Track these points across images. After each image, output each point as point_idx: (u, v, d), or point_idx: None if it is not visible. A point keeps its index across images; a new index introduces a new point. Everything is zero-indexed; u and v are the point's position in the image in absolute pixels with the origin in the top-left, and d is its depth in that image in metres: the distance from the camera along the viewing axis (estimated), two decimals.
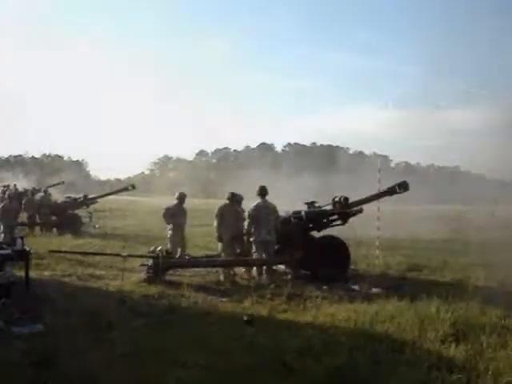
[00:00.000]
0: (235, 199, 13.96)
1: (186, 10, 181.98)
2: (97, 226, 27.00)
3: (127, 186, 28.33)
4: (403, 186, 14.39)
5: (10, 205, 16.19)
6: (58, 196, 29.40)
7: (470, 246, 19.66)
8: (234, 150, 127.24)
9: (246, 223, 13.43)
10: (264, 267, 13.36)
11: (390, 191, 14.60)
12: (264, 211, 13.25)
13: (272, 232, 13.26)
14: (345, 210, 14.04)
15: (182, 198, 15.67)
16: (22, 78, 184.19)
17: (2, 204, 16.20)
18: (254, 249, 13.34)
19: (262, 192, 13.51)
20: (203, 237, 20.19)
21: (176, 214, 15.39)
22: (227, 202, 13.84)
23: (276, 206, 13.58)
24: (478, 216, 32.10)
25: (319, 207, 14.48)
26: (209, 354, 6.98)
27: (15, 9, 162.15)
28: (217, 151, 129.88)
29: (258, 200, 13.48)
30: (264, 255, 13.20)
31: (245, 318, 8.94)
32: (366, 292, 11.61)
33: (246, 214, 13.47)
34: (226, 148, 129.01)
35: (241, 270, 13.79)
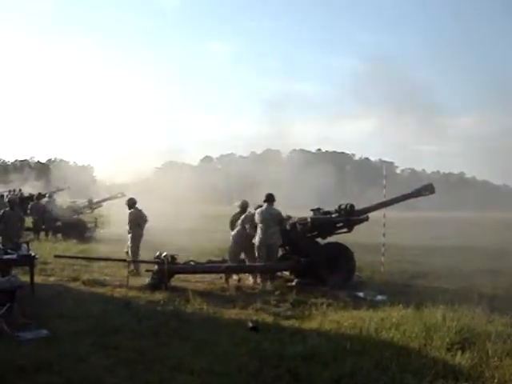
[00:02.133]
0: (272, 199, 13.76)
1: (186, 11, 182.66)
2: (102, 230, 26.97)
3: (117, 194, 27.78)
4: (429, 189, 14.38)
5: (12, 211, 15.75)
6: (64, 201, 29.40)
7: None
8: (240, 156, 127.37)
9: (247, 227, 13.45)
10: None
11: (416, 194, 14.59)
12: (267, 217, 13.25)
13: (275, 236, 13.25)
14: (351, 217, 14.01)
15: (128, 203, 15.69)
16: (28, 83, 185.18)
17: (2, 211, 15.78)
18: (256, 253, 13.33)
19: (269, 198, 13.50)
20: (210, 242, 20.18)
21: (131, 221, 15.43)
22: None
23: (281, 213, 13.59)
24: None
25: (325, 214, 14.44)
26: (214, 359, 6.97)
27: (19, 11, 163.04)
28: (222, 157, 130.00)
29: (264, 206, 13.49)
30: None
31: (249, 324, 8.92)
32: (372, 299, 11.58)
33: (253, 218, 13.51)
34: (231, 154, 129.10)
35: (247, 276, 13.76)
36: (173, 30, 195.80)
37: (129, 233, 15.31)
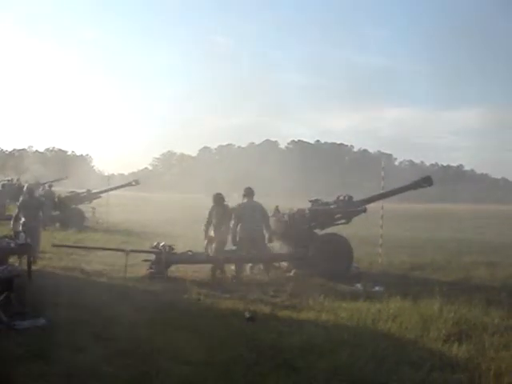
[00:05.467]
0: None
1: (191, 5, 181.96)
2: (100, 220, 27.02)
3: (131, 182, 28.39)
4: (427, 181, 14.40)
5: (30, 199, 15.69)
6: (61, 190, 29.42)
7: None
8: (238, 147, 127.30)
9: (231, 223, 13.39)
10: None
11: (414, 185, 14.59)
12: (249, 210, 13.21)
13: (258, 229, 13.16)
14: (349, 208, 14.02)
15: (29, 190, 15.28)
16: (28, 72, 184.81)
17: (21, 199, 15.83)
18: (236, 246, 13.24)
19: (249, 193, 13.45)
20: None
21: (26, 208, 14.75)
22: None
23: (261, 204, 13.48)
24: None
25: (324, 205, 14.45)
26: (210, 350, 6.96)
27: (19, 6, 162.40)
28: (220, 148, 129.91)
29: (245, 200, 13.42)
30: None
31: (247, 314, 8.92)
32: (369, 290, 11.59)
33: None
34: (229, 144, 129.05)
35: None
36: (174, 23, 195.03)
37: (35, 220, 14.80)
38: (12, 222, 14.39)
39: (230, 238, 13.36)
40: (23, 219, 14.40)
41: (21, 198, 15.12)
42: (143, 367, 6.27)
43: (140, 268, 12.81)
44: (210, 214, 13.67)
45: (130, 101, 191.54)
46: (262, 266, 13.54)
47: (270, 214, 13.89)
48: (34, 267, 10.93)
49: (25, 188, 15.72)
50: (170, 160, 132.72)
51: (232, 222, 13.30)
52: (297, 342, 7.37)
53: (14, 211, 15.62)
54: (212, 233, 13.55)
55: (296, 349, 7.10)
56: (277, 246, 14.21)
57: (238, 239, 13.14)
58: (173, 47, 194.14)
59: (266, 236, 13.31)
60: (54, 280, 11.44)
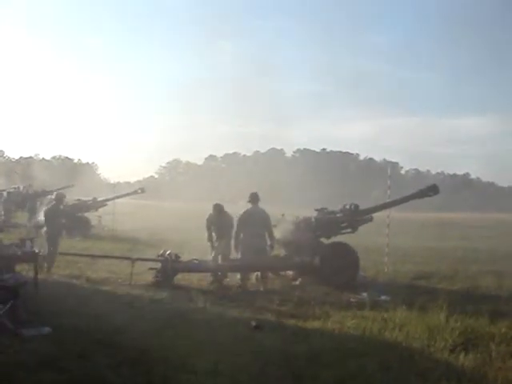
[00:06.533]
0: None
1: (192, 12, 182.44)
2: (105, 228, 27.05)
3: (136, 190, 28.43)
4: (433, 189, 14.35)
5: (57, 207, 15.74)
6: (67, 198, 29.42)
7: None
8: (244, 155, 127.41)
9: (233, 231, 13.34)
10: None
11: (420, 194, 14.55)
12: (253, 217, 13.17)
13: (261, 238, 13.14)
14: (355, 217, 14.00)
15: (58, 198, 15.37)
16: (35, 80, 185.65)
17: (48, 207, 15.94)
18: (239, 253, 13.25)
19: (254, 198, 13.43)
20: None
21: (54, 216, 14.89)
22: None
23: (265, 211, 13.43)
24: None
25: (330, 213, 14.43)
26: (217, 359, 6.93)
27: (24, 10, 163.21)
28: (226, 156, 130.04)
29: (249, 206, 13.41)
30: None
31: (253, 323, 8.91)
32: (375, 299, 11.55)
33: (235, 220, 13.40)
34: (235, 153, 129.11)
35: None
36: (178, 29, 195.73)
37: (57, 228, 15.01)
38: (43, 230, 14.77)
39: (233, 246, 13.38)
40: (45, 228, 14.62)
41: (49, 206, 15.33)
42: (149, 376, 6.27)
43: (146, 276, 12.81)
44: (209, 225, 13.70)
45: (135, 109, 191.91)
46: (259, 275, 13.41)
47: (274, 223, 13.88)
48: (40, 275, 10.98)
49: (54, 196, 15.87)
50: (176, 168, 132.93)
51: (234, 230, 13.32)
52: (303, 351, 7.35)
53: (29, 218, 15.66)
54: (216, 244, 13.52)
55: (302, 358, 7.08)
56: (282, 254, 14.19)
57: (240, 247, 13.15)
58: (176, 54, 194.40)
59: (269, 243, 13.29)
60: (60, 288, 11.46)
